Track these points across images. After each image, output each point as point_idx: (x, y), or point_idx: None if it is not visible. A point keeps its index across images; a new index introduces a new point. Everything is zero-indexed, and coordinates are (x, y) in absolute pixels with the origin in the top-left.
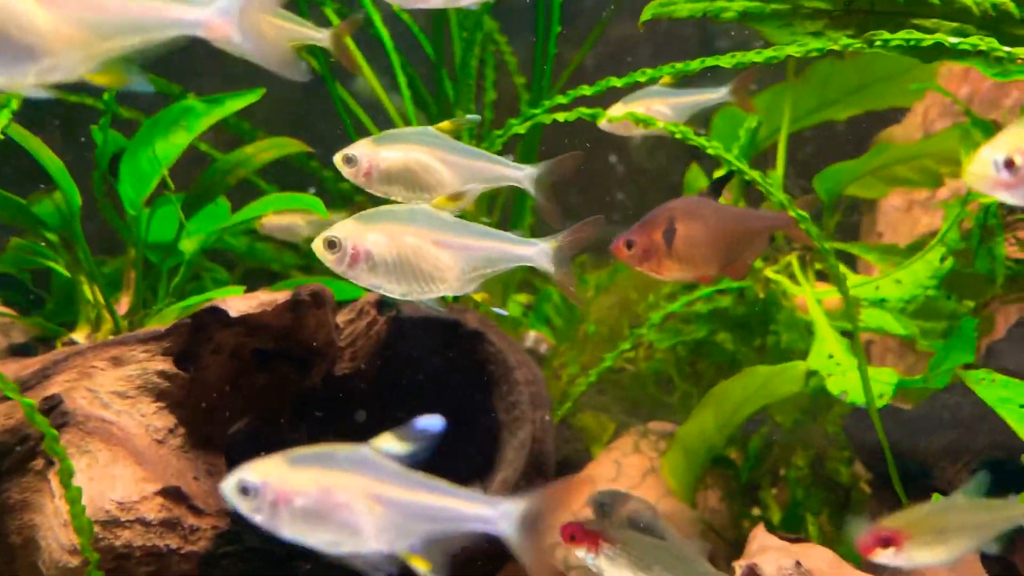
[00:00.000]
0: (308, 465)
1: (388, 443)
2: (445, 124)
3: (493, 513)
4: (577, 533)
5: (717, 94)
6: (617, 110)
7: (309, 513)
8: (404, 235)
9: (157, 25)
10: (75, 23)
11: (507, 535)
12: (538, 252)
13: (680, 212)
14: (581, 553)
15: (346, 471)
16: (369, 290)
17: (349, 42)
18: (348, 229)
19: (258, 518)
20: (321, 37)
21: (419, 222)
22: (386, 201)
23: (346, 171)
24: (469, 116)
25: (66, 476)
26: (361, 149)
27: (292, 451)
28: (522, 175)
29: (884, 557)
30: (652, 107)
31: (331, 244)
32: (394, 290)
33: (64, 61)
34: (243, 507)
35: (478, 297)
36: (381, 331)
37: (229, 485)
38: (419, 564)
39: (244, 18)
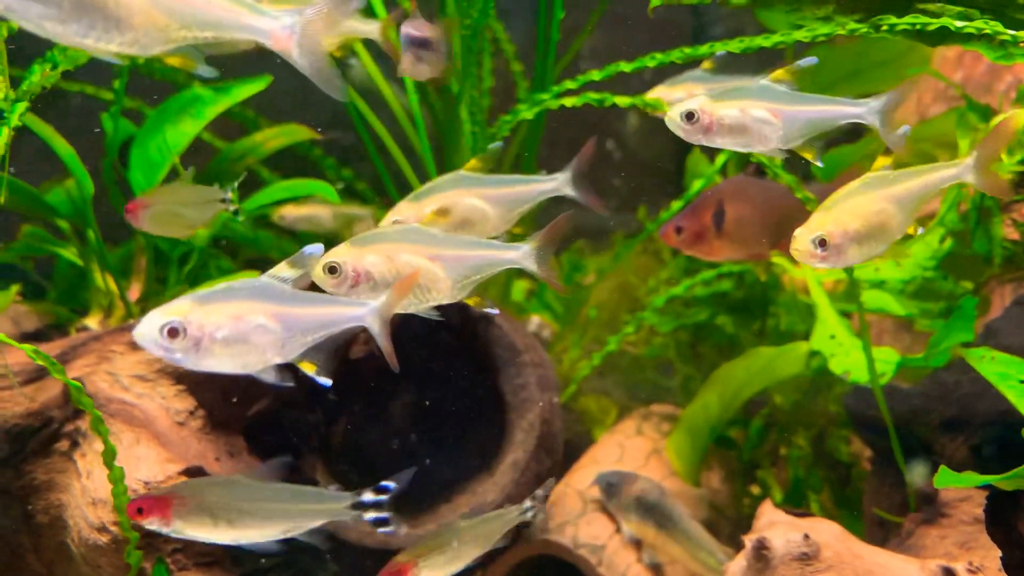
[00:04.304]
0: (215, 300)
1: (283, 271)
2: (473, 163)
3: (363, 311)
4: (144, 504)
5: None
6: (659, 92)
7: (228, 341)
8: (400, 253)
9: (231, 26)
10: (162, 8)
11: (371, 326)
12: (522, 254)
13: (729, 194)
14: (154, 526)
15: (248, 299)
16: None
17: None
18: (347, 253)
19: (178, 356)
20: (370, 30)
21: (412, 240)
22: None
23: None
24: (492, 146)
25: (110, 457)
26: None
27: (192, 292)
28: (559, 183)
29: None
30: (693, 92)
31: (332, 269)
32: None
33: (144, 38)
34: (175, 347)
35: (470, 301)
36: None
37: (151, 330)
38: (307, 367)
39: (303, 36)
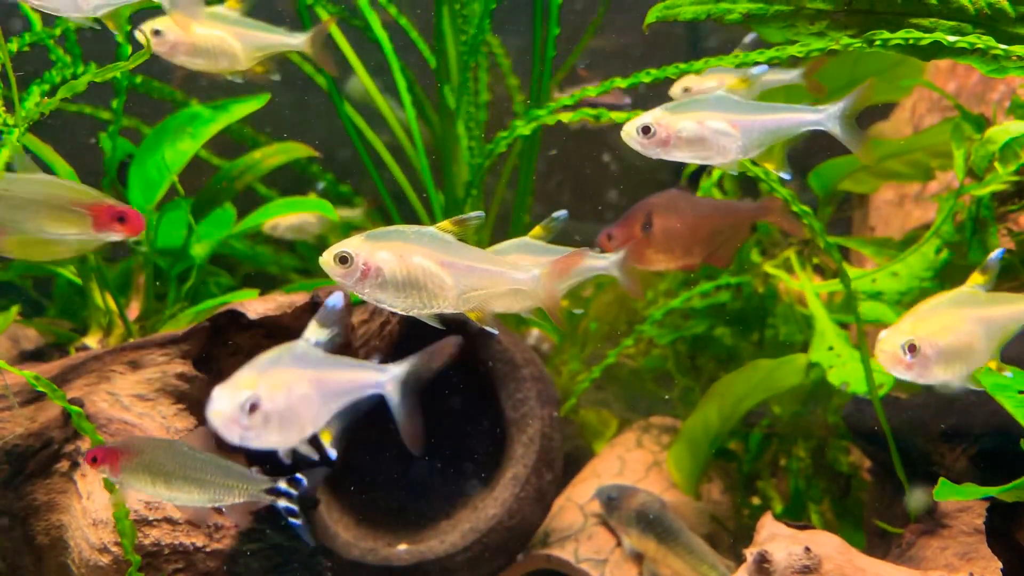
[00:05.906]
0: (274, 370)
1: (315, 334)
2: (537, 231)
3: (383, 377)
4: (99, 454)
5: (789, 75)
6: (689, 82)
7: (284, 415)
8: (413, 255)
9: None
10: None
11: (389, 396)
12: (530, 279)
13: (657, 206)
14: (105, 474)
15: (294, 367)
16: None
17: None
18: (360, 246)
19: (251, 434)
20: (298, 43)
21: (426, 243)
22: None
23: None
24: (558, 215)
25: (110, 481)
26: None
27: (248, 364)
28: (609, 264)
29: None
30: (726, 80)
31: (343, 259)
32: (396, 305)
33: None
34: (252, 423)
35: (472, 315)
36: (394, 331)
37: (231, 408)
38: (325, 437)
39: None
